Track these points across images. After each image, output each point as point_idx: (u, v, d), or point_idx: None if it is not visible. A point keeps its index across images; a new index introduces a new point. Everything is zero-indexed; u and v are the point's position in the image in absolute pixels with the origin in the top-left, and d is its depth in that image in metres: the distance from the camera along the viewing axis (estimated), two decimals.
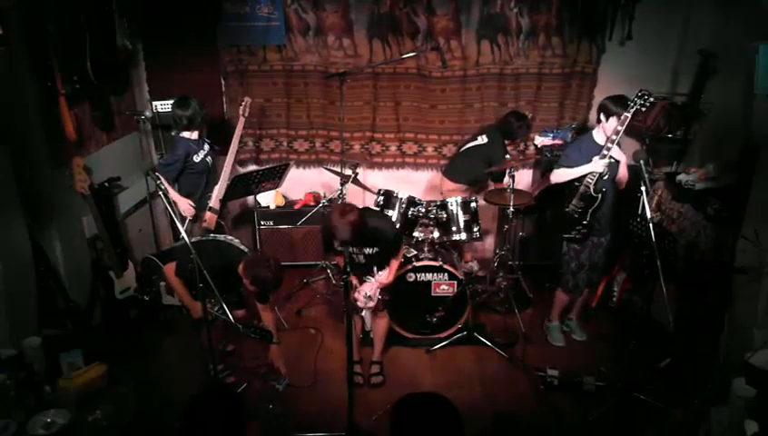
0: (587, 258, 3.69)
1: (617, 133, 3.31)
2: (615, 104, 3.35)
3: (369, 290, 3.35)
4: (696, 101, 4.30)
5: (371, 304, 3.39)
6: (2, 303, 3.03)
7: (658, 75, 4.63)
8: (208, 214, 3.93)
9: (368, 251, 3.37)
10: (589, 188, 3.43)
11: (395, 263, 3.47)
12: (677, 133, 4.40)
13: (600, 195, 3.44)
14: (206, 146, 4.00)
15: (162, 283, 3.33)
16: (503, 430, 3.20)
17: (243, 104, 4.22)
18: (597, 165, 3.37)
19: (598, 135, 3.48)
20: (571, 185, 3.52)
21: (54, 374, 2.73)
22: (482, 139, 4.43)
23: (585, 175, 3.43)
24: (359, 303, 3.37)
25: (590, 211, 3.49)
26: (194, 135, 3.91)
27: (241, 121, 4.21)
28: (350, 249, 3.15)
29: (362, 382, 3.55)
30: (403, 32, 4.61)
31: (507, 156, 4.31)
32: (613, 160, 3.41)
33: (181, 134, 3.86)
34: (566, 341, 4.01)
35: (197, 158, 3.87)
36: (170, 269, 3.15)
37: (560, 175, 3.53)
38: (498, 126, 4.48)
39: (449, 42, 4.62)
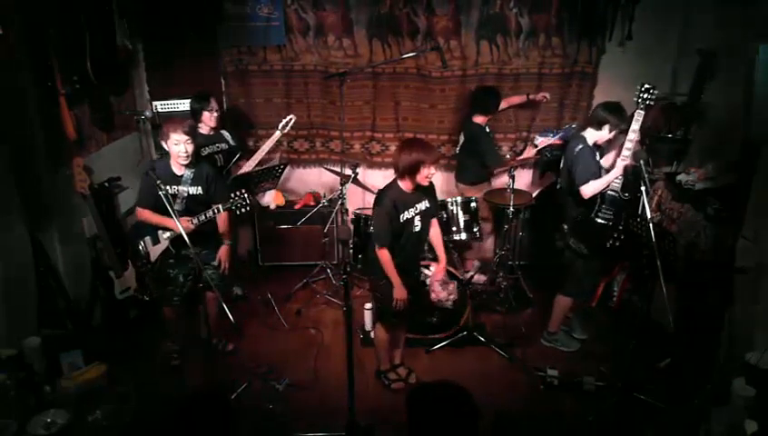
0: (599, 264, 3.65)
1: (635, 131, 3.27)
2: (613, 115, 3.37)
3: (441, 279, 3.37)
4: (696, 101, 4.30)
5: (453, 292, 3.36)
6: (2, 303, 3.03)
7: (658, 76, 4.61)
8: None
9: (424, 206, 3.23)
10: (617, 192, 3.41)
11: (437, 225, 3.40)
12: (677, 133, 4.40)
13: (629, 195, 3.38)
14: (221, 144, 4.06)
15: (146, 238, 3.38)
16: (503, 430, 3.19)
17: (287, 119, 4.25)
18: (621, 168, 3.33)
19: (591, 140, 3.47)
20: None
21: (54, 374, 2.73)
22: (462, 136, 4.46)
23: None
24: (449, 297, 3.35)
25: (623, 214, 3.43)
26: (203, 129, 3.98)
27: (276, 135, 4.26)
28: (417, 208, 3.15)
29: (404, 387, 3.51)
30: (403, 32, 4.61)
31: (487, 130, 4.36)
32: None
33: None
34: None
35: (203, 152, 3.92)
36: (137, 210, 3.35)
37: (594, 188, 3.38)
38: (470, 108, 4.46)
39: (449, 42, 4.62)
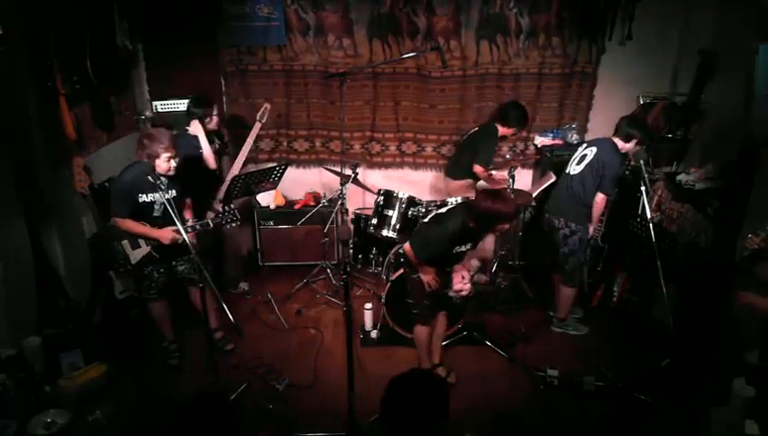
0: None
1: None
2: (640, 131, 3.66)
3: (465, 275, 3.34)
4: (696, 101, 4.30)
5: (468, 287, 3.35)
6: (2, 303, 3.03)
7: (658, 75, 4.64)
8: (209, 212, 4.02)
9: (464, 248, 3.22)
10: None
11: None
12: (677, 133, 4.41)
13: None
14: (215, 144, 4.11)
15: (124, 241, 3.34)
16: (503, 429, 3.19)
17: (262, 109, 4.30)
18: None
19: (619, 147, 3.74)
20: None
21: (54, 374, 2.73)
22: (473, 130, 4.47)
23: None
24: (463, 292, 3.33)
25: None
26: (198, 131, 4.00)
27: (257, 126, 4.32)
28: (473, 241, 3.16)
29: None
30: (403, 32, 4.61)
31: (499, 146, 4.41)
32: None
33: (188, 130, 3.99)
34: (566, 339, 4.02)
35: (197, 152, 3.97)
36: (115, 220, 3.28)
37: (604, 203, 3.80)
38: (495, 115, 4.48)
39: (449, 42, 4.62)
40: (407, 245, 3.17)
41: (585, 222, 3.81)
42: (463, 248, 3.14)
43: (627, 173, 4.07)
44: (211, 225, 3.31)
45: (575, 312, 4.20)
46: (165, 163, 3.20)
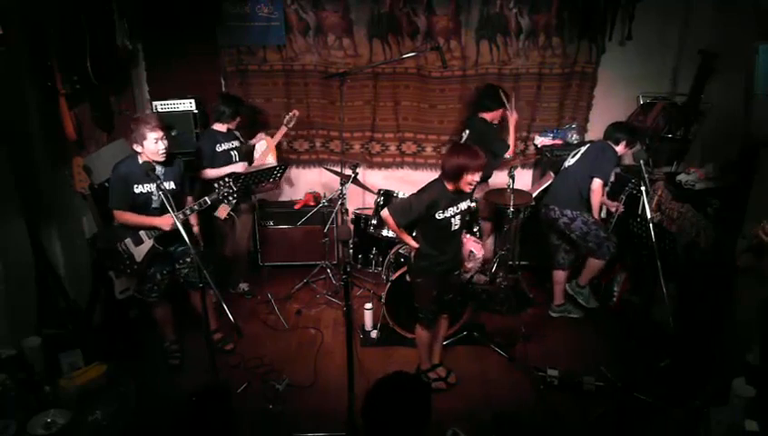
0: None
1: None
2: (626, 134, 3.87)
3: (476, 249, 3.34)
4: (696, 101, 4.30)
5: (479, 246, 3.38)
6: (2, 303, 3.03)
7: (658, 75, 4.64)
8: (222, 206, 4.07)
9: (465, 206, 3.19)
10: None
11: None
12: (677, 133, 4.41)
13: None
14: (235, 142, 4.22)
15: (127, 240, 3.33)
16: (503, 430, 3.19)
17: (290, 115, 4.39)
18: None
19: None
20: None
21: (54, 374, 2.73)
22: (465, 133, 4.43)
23: None
24: (477, 254, 3.33)
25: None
26: (224, 128, 4.16)
27: (282, 130, 4.41)
28: (459, 207, 3.13)
29: (445, 387, 3.50)
30: (403, 32, 4.61)
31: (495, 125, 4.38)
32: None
33: (212, 127, 4.17)
34: (566, 339, 4.02)
35: (219, 148, 4.10)
36: (114, 213, 3.29)
37: (599, 188, 3.91)
38: (474, 109, 4.47)
39: (449, 42, 4.62)
40: (384, 212, 3.13)
41: (582, 209, 3.90)
42: (448, 213, 3.09)
43: (632, 186, 4.11)
44: (209, 202, 3.29)
45: (572, 312, 4.29)
46: (153, 144, 3.17)
